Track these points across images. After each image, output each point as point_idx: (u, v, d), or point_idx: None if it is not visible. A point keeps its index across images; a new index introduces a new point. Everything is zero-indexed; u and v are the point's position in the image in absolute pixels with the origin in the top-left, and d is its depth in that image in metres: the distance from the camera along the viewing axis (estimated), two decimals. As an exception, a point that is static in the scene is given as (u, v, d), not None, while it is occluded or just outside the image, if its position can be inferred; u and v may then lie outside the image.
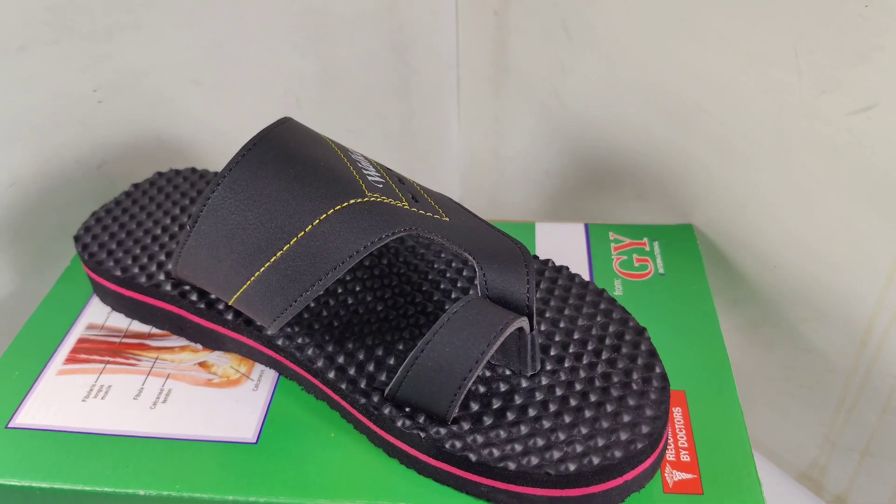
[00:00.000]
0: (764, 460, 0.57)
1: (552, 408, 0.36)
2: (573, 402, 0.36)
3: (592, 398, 0.37)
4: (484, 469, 0.35)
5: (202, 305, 0.42)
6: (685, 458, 0.37)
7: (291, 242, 0.36)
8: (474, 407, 0.36)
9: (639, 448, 0.34)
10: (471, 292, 0.42)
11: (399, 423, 0.36)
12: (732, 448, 0.38)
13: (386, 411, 0.37)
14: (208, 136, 0.58)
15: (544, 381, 0.37)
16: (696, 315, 0.45)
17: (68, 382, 0.42)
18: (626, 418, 0.36)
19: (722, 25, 0.46)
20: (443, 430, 0.36)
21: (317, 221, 0.36)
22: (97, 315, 0.46)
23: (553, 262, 0.44)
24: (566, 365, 0.38)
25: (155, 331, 0.45)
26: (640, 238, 0.51)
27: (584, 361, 0.38)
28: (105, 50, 0.51)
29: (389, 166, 0.43)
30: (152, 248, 0.45)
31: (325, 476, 0.37)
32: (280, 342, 0.40)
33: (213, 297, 0.42)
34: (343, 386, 0.38)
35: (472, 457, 0.35)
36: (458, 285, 0.43)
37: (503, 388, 0.37)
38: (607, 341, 0.39)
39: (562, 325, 0.40)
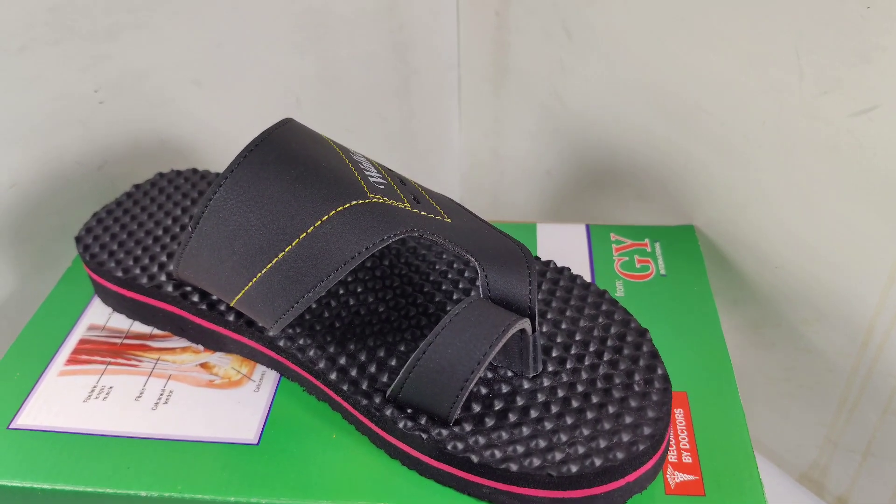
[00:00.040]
0: (765, 461, 0.57)
1: (554, 409, 0.36)
2: (575, 404, 0.36)
3: (594, 400, 0.37)
4: (486, 470, 0.35)
5: (204, 306, 0.42)
6: (687, 459, 0.37)
7: (293, 244, 0.36)
8: (476, 408, 0.36)
9: (641, 449, 0.34)
10: (472, 293, 0.42)
11: (401, 425, 0.36)
12: (734, 449, 0.38)
13: (388, 413, 0.37)
14: (209, 136, 0.58)
15: (546, 383, 0.37)
16: (697, 316, 0.45)
17: (70, 383, 0.42)
18: (628, 420, 0.36)
19: (723, 26, 0.46)
20: (445, 432, 0.36)
21: (319, 223, 0.36)
22: (98, 316, 0.46)
23: (555, 264, 0.44)
24: (568, 366, 0.38)
25: (156, 332, 0.45)
26: (641, 239, 0.51)
27: (586, 363, 0.38)
28: (106, 50, 0.51)
29: (390, 166, 0.43)
30: (153, 248, 0.45)
31: (327, 477, 0.37)
32: (282, 343, 0.40)
33: (214, 298, 0.42)
34: (345, 387, 0.38)
35: (474, 458, 0.35)
36: (460, 286, 0.43)
37: (505, 389, 0.37)
38: (609, 343, 0.39)
39: (563, 326, 0.40)
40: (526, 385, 0.37)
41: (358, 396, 0.38)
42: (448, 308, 0.42)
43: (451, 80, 0.68)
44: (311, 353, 0.40)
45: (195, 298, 0.42)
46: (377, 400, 0.37)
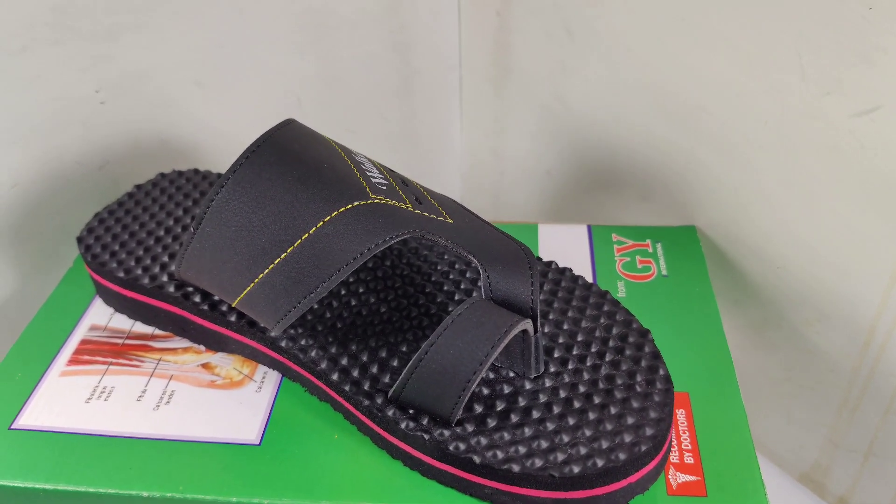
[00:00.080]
0: (766, 461, 0.57)
1: (556, 410, 0.36)
2: (577, 405, 0.36)
3: (596, 400, 0.37)
4: (488, 471, 0.35)
5: (205, 307, 0.42)
6: (689, 460, 0.37)
7: (295, 244, 0.36)
8: (478, 409, 0.36)
9: (643, 450, 0.34)
10: (474, 294, 0.42)
11: (403, 425, 0.36)
12: (736, 450, 0.38)
13: (390, 413, 0.37)
14: (210, 136, 0.58)
15: (548, 384, 0.37)
16: (699, 317, 0.45)
17: (71, 384, 0.42)
18: (630, 420, 0.36)
19: (724, 26, 0.46)
20: (447, 432, 0.36)
21: (321, 223, 0.36)
22: (100, 316, 0.46)
23: (556, 264, 0.44)
24: (570, 367, 0.38)
25: (158, 332, 0.45)
26: (643, 240, 0.51)
27: (588, 363, 0.38)
28: (107, 51, 0.51)
29: (391, 167, 0.43)
30: (155, 249, 0.45)
31: (329, 478, 0.37)
32: (283, 344, 0.40)
33: (216, 298, 0.42)
34: (346, 388, 0.38)
35: (476, 459, 0.35)
36: (461, 287, 0.43)
37: (507, 390, 0.37)
38: (611, 343, 0.39)
39: (565, 326, 0.40)
40: (528, 386, 0.37)
41: (360, 397, 0.38)
42: (450, 309, 0.42)
43: (453, 80, 0.68)
44: (313, 353, 0.40)
45: (197, 299, 0.42)
46: (379, 400, 0.37)
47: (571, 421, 0.36)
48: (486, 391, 0.37)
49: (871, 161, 0.42)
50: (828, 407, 0.51)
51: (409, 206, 0.38)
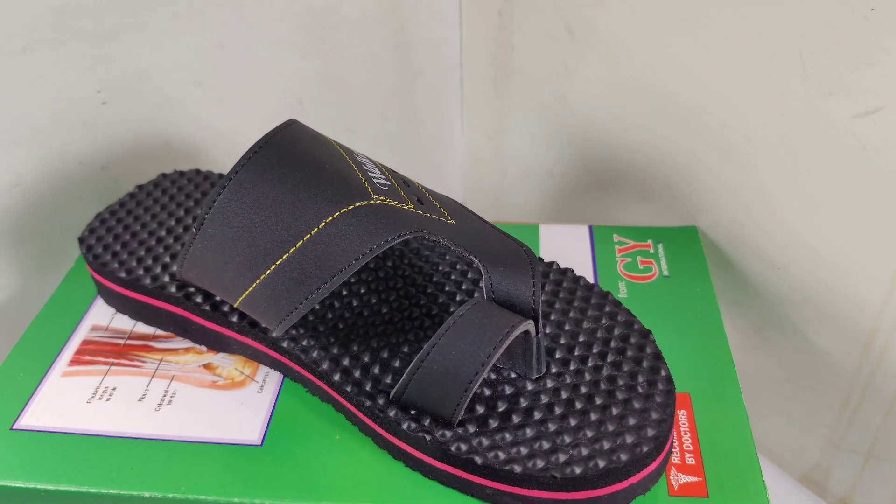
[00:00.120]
0: (767, 462, 0.57)
1: (557, 411, 0.36)
2: (578, 405, 0.36)
3: (598, 401, 0.37)
4: (489, 472, 0.35)
5: (207, 307, 0.42)
6: (690, 461, 0.37)
7: (297, 245, 0.36)
8: (480, 410, 0.36)
9: (644, 451, 0.34)
10: (475, 294, 0.42)
11: (404, 426, 0.36)
12: (737, 451, 0.38)
13: (391, 414, 0.37)
14: (212, 137, 0.58)
15: (549, 384, 0.37)
16: (700, 317, 0.45)
17: (73, 384, 0.42)
18: (632, 421, 0.36)
19: (726, 27, 0.46)
20: (448, 433, 0.36)
21: (323, 224, 0.36)
22: (101, 317, 0.46)
23: (558, 265, 0.44)
24: (571, 368, 0.38)
25: (159, 332, 0.45)
26: (644, 240, 0.51)
27: (590, 364, 0.38)
28: (108, 51, 0.51)
29: (392, 167, 0.43)
30: (157, 249, 0.45)
31: (330, 478, 0.37)
32: (285, 344, 0.40)
33: (217, 298, 0.42)
34: (348, 388, 0.38)
35: (478, 459, 0.35)
36: (463, 287, 0.43)
37: (508, 390, 0.37)
38: (612, 344, 0.39)
39: (567, 327, 0.40)
40: (529, 387, 0.37)
41: (361, 398, 0.38)
42: (451, 309, 0.42)
43: (454, 80, 0.68)
44: (315, 354, 0.40)
45: (198, 299, 0.42)
46: (381, 401, 0.37)
47: (573, 422, 0.36)
48: (487, 392, 0.37)
49: (872, 162, 0.42)
50: (829, 408, 0.51)
51: (410, 206, 0.38)
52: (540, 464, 0.34)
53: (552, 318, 0.41)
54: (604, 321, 0.40)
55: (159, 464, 0.38)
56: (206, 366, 0.43)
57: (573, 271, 0.44)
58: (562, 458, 0.34)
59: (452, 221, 0.39)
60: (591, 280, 0.48)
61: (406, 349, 0.40)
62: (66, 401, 0.41)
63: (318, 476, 0.37)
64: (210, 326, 0.43)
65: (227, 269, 0.37)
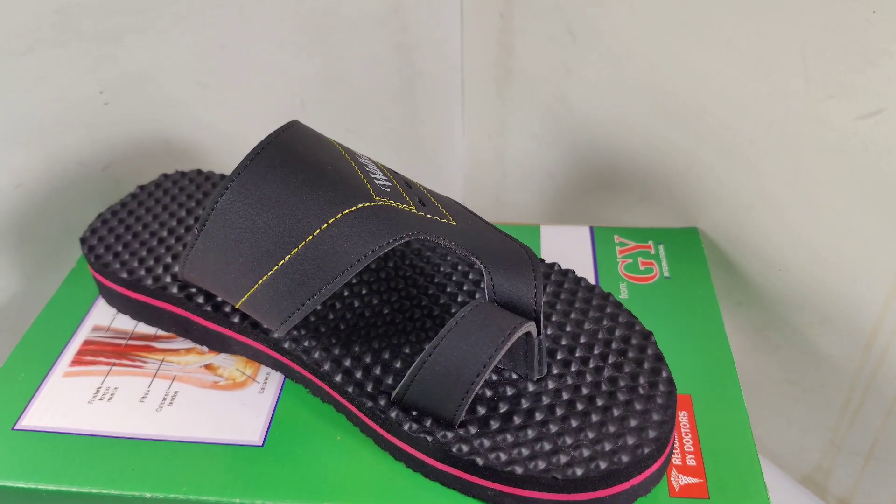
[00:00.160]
0: (767, 463, 0.57)
1: (559, 412, 0.36)
2: (580, 407, 0.36)
3: (599, 402, 0.37)
4: (491, 473, 0.35)
5: (208, 308, 0.42)
6: (691, 462, 0.38)
7: (300, 246, 0.36)
8: (481, 411, 0.37)
9: (646, 453, 0.34)
10: (476, 296, 0.42)
11: (406, 427, 0.36)
12: (738, 452, 0.38)
13: (393, 415, 0.37)
14: (213, 137, 0.58)
15: (551, 386, 0.37)
16: (701, 318, 0.45)
17: (74, 384, 0.42)
18: (633, 423, 0.36)
19: (728, 29, 0.46)
20: (450, 434, 0.36)
21: (325, 225, 0.36)
22: (103, 317, 0.46)
23: (559, 266, 0.44)
24: (573, 369, 0.38)
25: (161, 333, 0.45)
26: (645, 241, 0.51)
27: (591, 365, 0.38)
28: (111, 52, 0.51)
29: (393, 167, 0.43)
30: (158, 250, 0.45)
31: (331, 479, 0.37)
32: (286, 345, 0.40)
33: (219, 299, 0.42)
34: (350, 389, 0.38)
35: (479, 461, 0.35)
36: (464, 288, 0.43)
37: (510, 392, 0.37)
38: (614, 345, 0.39)
39: (568, 328, 0.40)
40: (531, 388, 0.37)
41: (363, 398, 0.38)
42: (453, 310, 0.42)
43: (455, 81, 0.68)
44: (316, 354, 0.40)
45: (200, 300, 0.42)
46: (382, 402, 0.37)
47: (574, 423, 0.36)
48: (489, 393, 0.37)
49: (874, 164, 0.42)
50: (829, 409, 0.51)
51: (412, 208, 0.38)
52: (541, 465, 0.34)
53: (553, 319, 0.41)
54: (605, 322, 0.40)
55: (161, 464, 0.38)
56: (208, 366, 0.43)
57: (574, 272, 0.44)
58: (563, 459, 0.34)
59: (454, 223, 0.39)
60: (592, 281, 0.48)
61: (407, 350, 0.40)
62: (68, 401, 0.41)
63: (319, 477, 0.37)
64: (211, 327, 0.43)
65: (230, 270, 0.37)
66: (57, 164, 0.52)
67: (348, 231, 0.36)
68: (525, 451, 0.35)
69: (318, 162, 0.37)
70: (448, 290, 0.43)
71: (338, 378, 0.39)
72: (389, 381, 0.38)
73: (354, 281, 0.43)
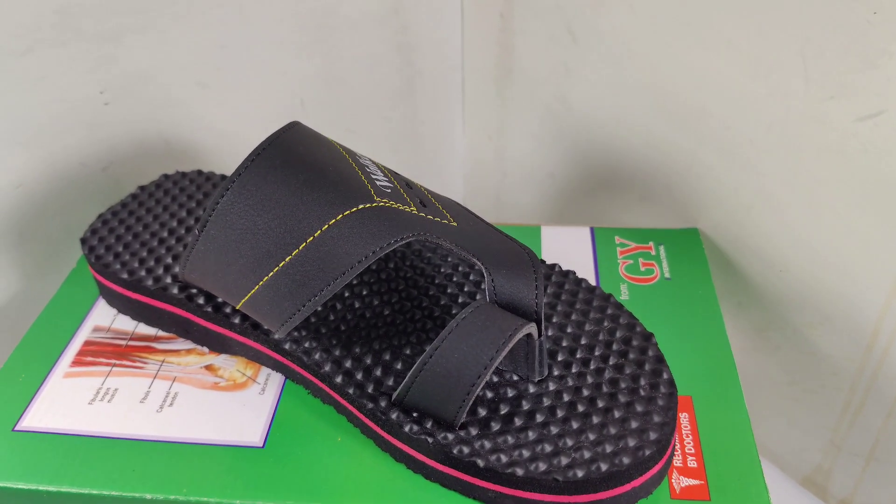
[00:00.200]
0: (768, 464, 0.57)
1: (560, 413, 0.36)
2: (581, 408, 0.36)
3: (600, 404, 0.37)
4: (491, 475, 0.35)
5: (209, 309, 0.42)
6: (692, 463, 0.37)
7: (300, 247, 0.36)
8: (482, 412, 0.37)
9: (647, 454, 0.34)
10: (477, 297, 0.42)
11: (406, 428, 0.36)
12: (739, 453, 0.38)
13: (393, 416, 0.37)
14: (213, 137, 0.58)
15: (552, 387, 0.37)
16: (701, 319, 0.45)
17: (74, 385, 0.42)
18: (634, 424, 0.36)
19: (728, 30, 0.46)
20: (450, 436, 0.36)
21: (326, 227, 0.36)
22: (103, 317, 0.46)
23: (560, 267, 0.44)
24: (574, 370, 0.38)
25: (161, 333, 0.45)
26: (645, 242, 0.51)
27: (592, 367, 0.38)
28: (111, 52, 0.51)
29: (393, 168, 0.43)
30: (158, 250, 0.45)
31: (332, 480, 0.37)
32: (287, 346, 0.40)
33: (219, 300, 0.42)
34: (350, 390, 0.38)
35: (480, 462, 0.35)
36: (465, 289, 0.43)
37: (511, 393, 0.37)
38: (615, 347, 0.39)
39: (569, 330, 0.40)
40: (532, 389, 0.37)
41: (363, 400, 0.38)
42: (453, 311, 0.42)
43: (455, 81, 0.68)
44: (317, 356, 0.40)
45: (200, 301, 0.42)
46: (383, 403, 0.37)
47: (575, 425, 0.36)
48: (489, 395, 0.37)
49: (874, 164, 0.42)
50: (830, 410, 0.51)
51: (413, 209, 0.38)
52: (542, 467, 0.34)
53: (554, 320, 0.41)
54: (606, 324, 0.40)
55: (161, 465, 0.38)
56: (208, 367, 0.43)
57: (575, 273, 0.44)
58: (564, 461, 0.34)
59: (455, 224, 0.39)
60: (592, 282, 0.48)
61: (408, 351, 0.40)
62: (68, 402, 0.41)
63: (319, 478, 0.37)
64: (212, 328, 0.43)
65: (230, 271, 0.37)
66: (57, 165, 0.52)
67: (349, 232, 0.36)
68: (526, 453, 0.35)
69: (319, 163, 0.37)
70: (449, 291, 0.43)
71: (338, 379, 0.39)
72: (390, 382, 0.38)
73: (355, 282, 0.43)
